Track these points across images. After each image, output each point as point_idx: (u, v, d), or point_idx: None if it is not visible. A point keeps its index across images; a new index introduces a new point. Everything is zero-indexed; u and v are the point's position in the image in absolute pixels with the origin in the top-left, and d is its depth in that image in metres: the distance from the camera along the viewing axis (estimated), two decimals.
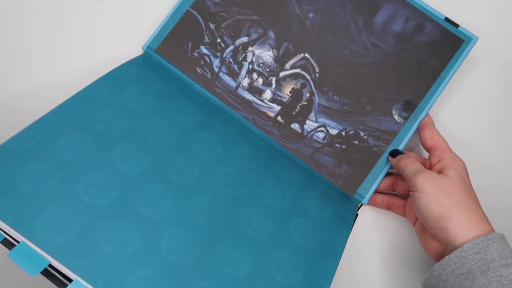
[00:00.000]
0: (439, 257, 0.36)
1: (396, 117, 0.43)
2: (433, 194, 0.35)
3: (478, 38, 0.44)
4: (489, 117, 0.45)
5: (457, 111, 0.45)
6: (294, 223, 0.37)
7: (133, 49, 0.45)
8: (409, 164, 0.38)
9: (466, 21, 0.45)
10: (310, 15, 0.45)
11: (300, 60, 0.44)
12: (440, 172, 0.37)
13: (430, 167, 0.39)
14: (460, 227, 0.34)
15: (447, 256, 0.33)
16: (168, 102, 0.40)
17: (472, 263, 0.32)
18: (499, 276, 0.30)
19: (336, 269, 0.36)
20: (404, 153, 0.41)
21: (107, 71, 0.39)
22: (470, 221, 0.34)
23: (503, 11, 0.46)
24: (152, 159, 0.35)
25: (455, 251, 0.33)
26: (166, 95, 0.41)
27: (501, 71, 0.46)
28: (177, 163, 0.36)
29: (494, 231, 0.34)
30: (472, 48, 0.44)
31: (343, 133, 0.43)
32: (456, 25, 0.44)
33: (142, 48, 0.44)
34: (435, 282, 0.34)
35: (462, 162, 0.38)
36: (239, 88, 0.44)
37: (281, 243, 0.35)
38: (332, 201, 0.40)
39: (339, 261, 0.36)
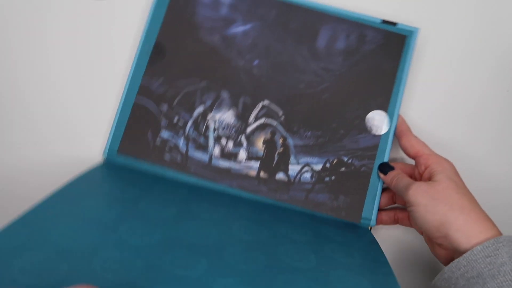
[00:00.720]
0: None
1: (373, 131, 0.44)
2: (426, 204, 0.35)
3: (418, 29, 0.45)
4: (451, 104, 0.46)
5: (423, 106, 0.46)
6: (336, 277, 0.36)
7: (94, 156, 0.44)
8: (399, 181, 0.39)
9: (404, 18, 0.46)
10: (255, 62, 0.44)
11: (261, 109, 0.44)
12: (429, 179, 0.37)
13: (419, 176, 0.39)
14: (461, 232, 0.34)
15: (457, 259, 0.33)
16: (137, 206, 0.38)
17: (482, 266, 0.31)
18: (510, 280, 0.30)
19: None
20: (393, 167, 0.41)
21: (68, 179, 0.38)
22: (469, 224, 0.34)
23: (435, 1, 0.47)
24: (144, 261, 0.33)
25: (464, 254, 0.32)
26: (133, 199, 0.39)
27: (447, 58, 0.47)
28: (176, 258, 0.34)
29: (496, 228, 0.34)
30: (415, 40, 0.45)
31: (328, 165, 0.43)
32: (394, 24, 0.45)
33: (103, 155, 0.43)
34: (444, 285, 0.34)
35: (449, 163, 0.38)
36: (213, 159, 0.43)
37: None
38: (351, 239, 0.40)
39: None
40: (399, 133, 0.42)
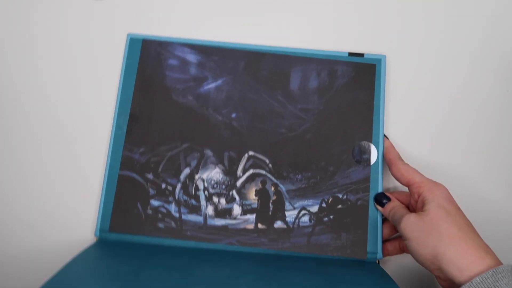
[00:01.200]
0: None
1: (362, 164, 0.44)
2: (417, 237, 0.35)
3: (385, 56, 0.46)
4: (432, 124, 0.47)
5: (405, 129, 0.46)
6: None
7: (85, 237, 0.43)
8: (394, 213, 0.38)
9: (369, 48, 0.47)
10: (233, 115, 0.45)
11: (247, 160, 0.44)
12: (422, 208, 0.37)
13: (415, 204, 0.39)
14: (452, 264, 0.33)
15: None
16: (137, 277, 0.37)
17: None
18: None
19: None
20: (389, 198, 0.41)
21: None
22: (460, 254, 0.33)
23: (396, 28, 0.49)
24: None
25: (463, 286, 0.31)
26: (133, 272, 0.38)
27: (417, 79, 0.48)
28: None
29: (490, 256, 0.33)
30: (385, 66, 0.46)
31: (324, 205, 0.43)
32: (361, 55, 0.46)
33: (95, 234, 0.42)
34: None
35: (441, 189, 0.37)
36: (208, 220, 0.43)
37: None
38: (361, 275, 0.39)
39: None
40: (387, 162, 0.42)
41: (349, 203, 0.43)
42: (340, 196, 0.43)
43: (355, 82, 0.45)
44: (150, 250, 0.41)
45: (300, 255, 0.42)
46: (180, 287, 0.36)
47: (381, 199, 0.41)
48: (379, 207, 0.41)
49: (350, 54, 0.46)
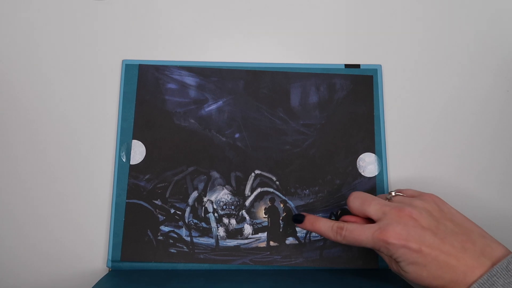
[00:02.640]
0: None
1: (367, 174, 0.45)
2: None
3: (381, 66, 0.48)
4: (434, 130, 0.49)
5: (408, 137, 0.48)
6: None
7: (97, 269, 0.43)
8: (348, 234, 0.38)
9: (366, 60, 0.49)
10: (236, 135, 0.46)
11: (254, 179, 0.45)
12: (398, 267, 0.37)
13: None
14: (453, 283, 0.33)
15: None
16: None
17: None
18: None
19: None
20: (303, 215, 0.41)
21: None
22: (455, 273, 0.33)
23: (390, 38, 0.51)
24: None
25: None
26: None
27: (413, 87, 0.50)
28: None
29: (486, 253, 0.33)
30: (382, 76, 0.48)
31: (333, 218, 0.44)
32: (357, 66, 0.48)
33: (107, 265, 0.42)
34: None
35: (394, 241, 0.35)
36: (219, 241, 0.43)
37: None
38: (380, 282, 0.40)
39: None
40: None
41: None
42: None
43: (354, 94, 0.47)
44: (164, 276, 0.41)
45: (313, 269, 0.43)
46: None
47: (299, 218, 0.41)
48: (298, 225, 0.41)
49: (347, 66, 0.48)
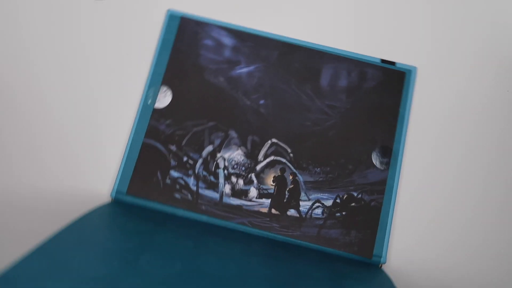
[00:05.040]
0: None
1: (378, 165, 0.47)
2: None
3: (416, 68, 0.50)
4: (453, 136, 0.50)
5: (427, 140, 0.50)
6: None
7: (100, 196, 0.46)
8: None
9: (401, 59, 0.51)
10: (261, 101, 0.48)
11: (270, 147, 0.47)
12: None
13: None
14: None
15: None
16: (152, 238, 0.40)
17: None
18: None
19: None
20: None
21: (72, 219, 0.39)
22: None
23: (430, 41, 0.52)
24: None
25: None
26: (148, 232, 0.41)
27: (443, 96, 0.51)
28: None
29: None
30: (415, 78, 0.49)
31: (338, 200, 0.46)
32: (393, 63, 0.50)
33: (111, 195, 0.45)
34: None
35: None
36: (224, 197, 0.45)
37: None
38: (367, 276, 0.42)
39: None
40: None
41: (362, 202, 0.46)
42: (355, 194, 0.46)
43: (384, 86, 0.49)
44: (163, 217, 0.43)
45: (308, 246, 0.45)
46: (194, 254, 0.38)
47: None
48: None
49: (383, 61, 0.50)
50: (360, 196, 0.46)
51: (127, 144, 0.46)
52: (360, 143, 0.48)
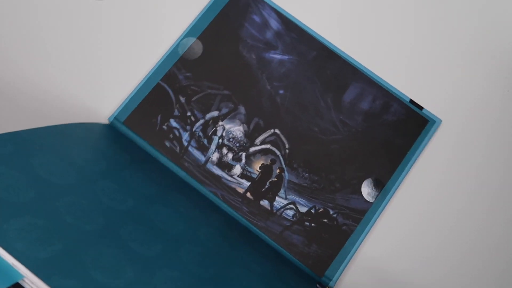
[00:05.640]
0: None
1: (365, 195, 0.47)
2: None
3: (441, 121, 0.49)
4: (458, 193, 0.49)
5: (426, 192, 0.49)
6: None
7: (98, 117, 0.47)
8: None
9: (429, 103, 0.51)
10: (281, 91, 0.48)
11: (270, 135, 0.48)
12: None
13: None
14: None
15: None
16: (121, 169, 0.41)
17: None
18: None
19: None
20: None
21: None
22: None
23: (462, 95, 0.52)
24: (106, 220, 0.35)
25: None
26: (120, 163, 0.42)
27: (462, 152, 0.51)
28: (137, 232, 0.36)
29: None
30: (436, 130, 0.49)
31: (313, 211, 0.46)
32: (420, 107, 0.49)
33: (108, 119, 0.46)
34: None
35: None
36: (208, 163, 0.46)
37: None
38: None
39: None
40: None
41: (335, 222, 0.46)
42: (331, 212, 0.46)
43: (402, 125, 0.48)
44: (145, 158, 0.45)
45: (265, 240, 0.45)
46: (151, 200, 0.40)
47: None
48: None
49: (411, 101, 0.49)
50: (335, 215, 0.46)
51: (143, 79, 0.48)
52: (356, 167, 0.48)
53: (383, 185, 0.47)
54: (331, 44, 0.50)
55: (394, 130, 0.49)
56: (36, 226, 0.30)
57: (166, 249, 0.36)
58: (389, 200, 0.47)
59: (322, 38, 0.51)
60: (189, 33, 0.49)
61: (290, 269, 0.44)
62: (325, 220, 0.46)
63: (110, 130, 0.45)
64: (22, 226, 0.30)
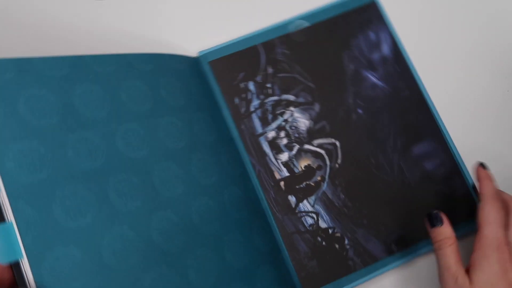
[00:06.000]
0: None
1: (383, 245, 0.46)
2: None
3: None
4: None
5: None
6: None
7: (189, 46, 0.49)
8: (443, 255, 0.37)
9: None
10: (359, 110, 0.48)
11: (329, 144, 0.47)
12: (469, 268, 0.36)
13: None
14: None
15: None
16: (194, 111, 0.43)
17: None
18: None
19: None
20: (441, 220, 0.39)
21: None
22: None
23: (462, 95, 0.51)
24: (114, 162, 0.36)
25: None
26: (196, 102, 0.43)
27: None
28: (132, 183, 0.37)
29: None
30: None
31: (330, 231, 0.46)
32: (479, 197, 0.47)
33: (199, 52, 0.48)
34: None
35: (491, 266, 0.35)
36: (262, 136, 0.47)
37: None
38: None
39: None
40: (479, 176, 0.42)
41: (344, 253, 0.46)
42: (346, 242, 0.45)
43: (454, 201, 0.48)
44: (211, 102, 0.46)
45: (274, 231, 0.45)
46: (204, 148, 0.40)
47: (434, 220, 0.40)
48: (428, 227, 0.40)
49: (474, 187, 0.48)
50: (348, 247, 0.46)
51: (245, 35, 0.49)
52: (391, 216, 0.47)
53: (406, 247, 0.46)
54: (428, 95, 0.50)
55: (443, 203, 0.47)
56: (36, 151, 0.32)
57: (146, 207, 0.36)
58: (403, 262, 0.46)
59: (423, 86, 0.50)
60: (306, 17, 0.50)
61: (279, 271, 0.43)
62: (337, 246, 0.46)
63: (195, 65, 0.46)
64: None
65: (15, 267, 0.29)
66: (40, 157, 0.32)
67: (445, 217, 0.40)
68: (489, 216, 0.37)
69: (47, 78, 0.34)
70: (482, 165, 0.43)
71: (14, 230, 0.29)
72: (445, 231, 0.38)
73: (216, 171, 0.42)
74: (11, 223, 0.30)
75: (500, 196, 0.40)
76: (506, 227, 0.37)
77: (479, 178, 0.42)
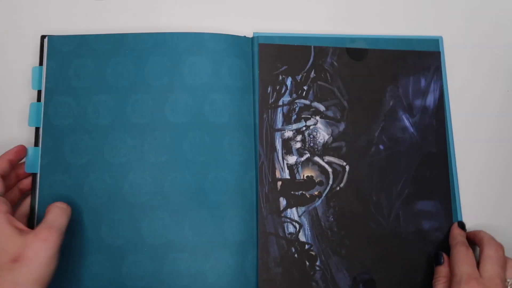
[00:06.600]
0: None
1: (351, 281, 0.45)
2: None
3: None
4: None
5: None
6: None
7: (244, 27, 0.49)
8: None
9: None
10: (381, 146, 0.48)
11: (339, 165, 0.47)
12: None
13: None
14: None
15: None
16: (241, 92, 0.46)
17: None
18: None
19: None
20: (443, 259, 0.45)
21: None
22: None
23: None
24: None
25: None
26: (245, 83, 0.46)
27: None
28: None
29: None
30: None
31: (307, 246, 0.45)
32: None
33: (254, 33, 0.48)
34: None
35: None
36: (278, 132, 0.47)
37: None
38: None
39: None
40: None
41: (312, 273, 0.45)
42: (318, 263, 0.45)
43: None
44: (250, 84, 0.46)
45: (250, 225, 0.45)
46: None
47: (439, 257, 0.45)
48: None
49: None
50: (318, 269, 0.46)
51: (307, 33, 0.50)
52: (369, 262, 0.46)
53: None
54: (454, 157, 0.49)
55: (425, 265, 0.46)
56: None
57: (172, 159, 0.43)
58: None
59: (452, 146, 0.49)
60: (368, 39, 0.50)
61: (243, 264, 0.43)
62: (307, 263, 0.45)
63: (242, 43, 0.47)
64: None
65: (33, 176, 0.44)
66: (108, 108, 0.45)
67: (446, 258, 0.45)
68: (456, 257, 0.43)
69: (132, 51, 0.46)
70: (460, 224, 0.47)
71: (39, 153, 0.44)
72: (443, 271, 0.44)
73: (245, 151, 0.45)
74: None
75: (473, 237, 0.45)
76: (478, 264, 0.42)
77: (451, 229, 0.46)
